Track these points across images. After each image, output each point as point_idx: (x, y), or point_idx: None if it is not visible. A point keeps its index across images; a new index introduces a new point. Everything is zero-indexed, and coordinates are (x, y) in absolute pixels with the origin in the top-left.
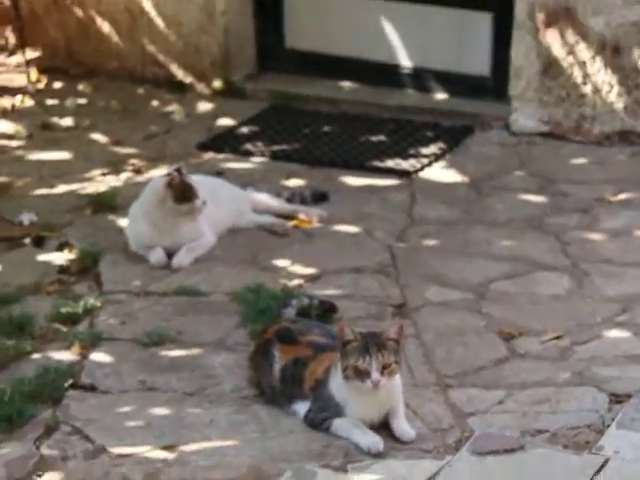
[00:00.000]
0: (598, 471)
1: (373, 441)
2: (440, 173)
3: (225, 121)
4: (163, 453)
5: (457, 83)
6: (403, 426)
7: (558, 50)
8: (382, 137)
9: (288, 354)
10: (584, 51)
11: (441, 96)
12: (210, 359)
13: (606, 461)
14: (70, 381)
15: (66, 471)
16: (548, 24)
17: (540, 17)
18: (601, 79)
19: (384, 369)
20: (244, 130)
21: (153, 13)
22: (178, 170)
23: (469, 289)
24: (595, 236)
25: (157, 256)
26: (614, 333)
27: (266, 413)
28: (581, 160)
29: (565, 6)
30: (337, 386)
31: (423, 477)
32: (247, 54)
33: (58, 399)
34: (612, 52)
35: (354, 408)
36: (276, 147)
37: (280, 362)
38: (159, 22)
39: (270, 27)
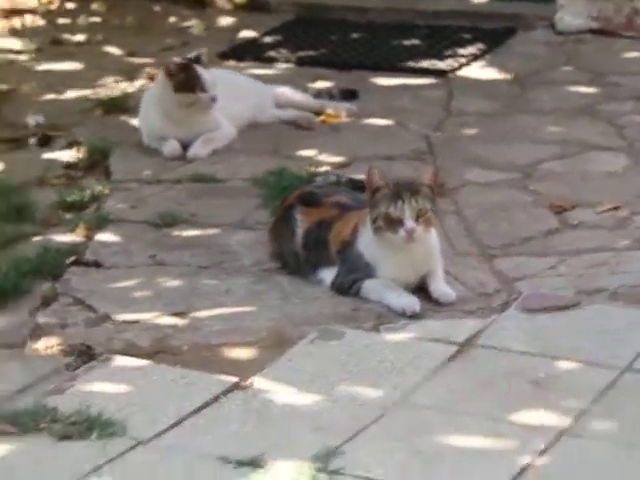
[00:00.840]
0: None
1: (409, 302)
2: (480, 71)
3: (247, 33)
4: (173, 319)
5: None
6: (442, 287)
7: None
8: (415, 41)
9: (311, 216)
10: None
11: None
12: (228, 237)
13: None
14: (72, 258)
15: (64, 336)
16: None
17: None
18: None
19: (419, 217)
20: (267, 40)
21: None
22: (197, 58)
23: (514, 169)
24: None
25: (171, 147)
26: None
27: (289, 282)
28: (634, 54)
29: None
30: (367, 243)
31: (465, 334)
32: None
33: (58, 275)
34: None
35: (386, 267)
36: (302, 53)
37: (303, 225)
38: None
39: None
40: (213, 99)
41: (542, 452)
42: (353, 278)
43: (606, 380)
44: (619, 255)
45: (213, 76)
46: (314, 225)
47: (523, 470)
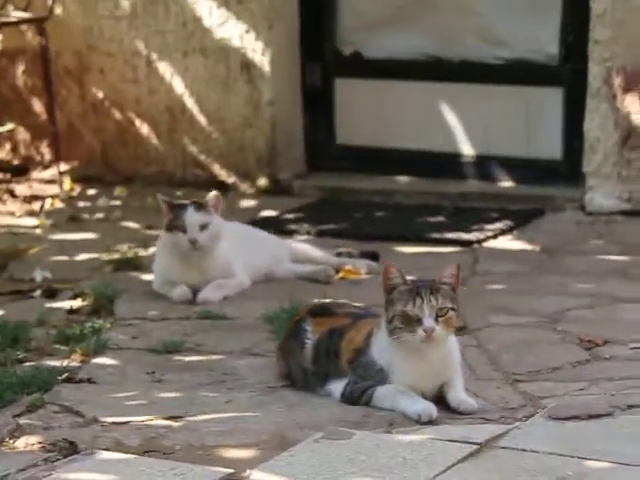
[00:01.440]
0: None
1: (424, 407)
2: (506, 243)
3: (269, 212)
4: (167, 422)
5: (525, 169)
6: (462, 395)
7: (639, 117)
8: (441, 218)
9: (322, 327)
10: None
11: (507, 184)
12: (233, 362)
13: None
14: (64, 376)
15: (46, 435)
16: (627, 88)
17: (617, 81)
18: None
19: (438, 316)
20: (288, 216)
21: (195, 110)
22: (195, 202)
23: (541, 316)
24: None
25: (180, 291)
26: None
27: (295, 395)
28: None
29: None
30: (381, 347)
31: (486, 436)
32: (295, 151)
33: (47, 389)
34: None
35: (401, 372)
36: (323, 227)
37: (313, 337)
38: (201, 119)
39: (321, 122)
40: (192, 241)
41: None
42: (364, 386)
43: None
44: None
45: (206, 220)
46: (325, 335)
47: None
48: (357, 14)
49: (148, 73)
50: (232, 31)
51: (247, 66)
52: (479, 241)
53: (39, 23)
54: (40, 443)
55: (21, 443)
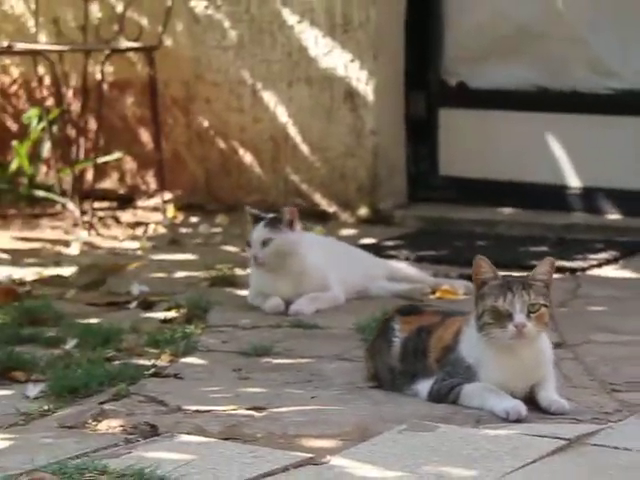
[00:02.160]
0: None
1: (513, 405)
2: (611, 272)
3: (368, 240)
4: (250, 412)
5: (633, 200)
6: (553, 396)
7: None
8: (544, 248)
9: (411, 325)
10: None
11: (615, 216)
12: (322, 365)
13: None
14: (152, 371)
15: (128, 420)
16: None
17: None
18: None
19: (530, 312)
20: (388, 243)
21: (298, 139)
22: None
23: None
24: None
25: (273, 302)
26: None
27: (382, 394)
28: None
29: None
30: (470, 344)
31: (576, 433)
32: (397, 181)
33: (134, 382)
34: None
35: (490, 370)
36: (422, 252)
37: (401, 335)
38: (304, 148)
39: (423, 152)
40: (255, 257)
41: None
42: (452, 384)
43: None
44: None
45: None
46: (413, 334)
47: None
48: (462, 44)
49: (253, 102)
50: (337, 60)
51: (351, 95)
52: (583, 269)
53: (148, 53)
54: (122, 426)
55: (103, 426)
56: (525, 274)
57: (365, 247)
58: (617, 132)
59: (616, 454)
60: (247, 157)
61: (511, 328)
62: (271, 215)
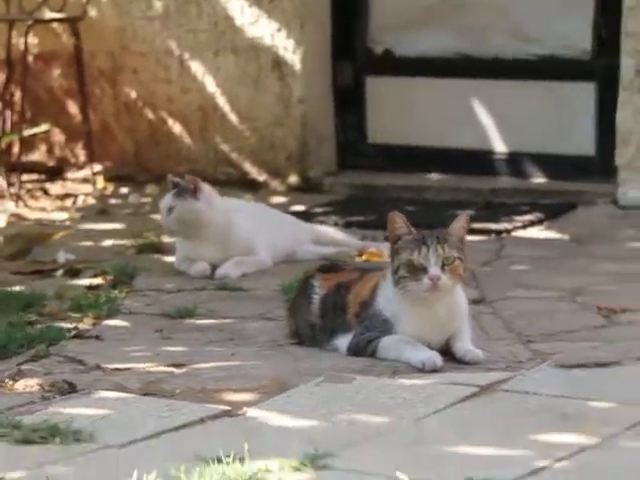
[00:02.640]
0: None
1: (429, 355)
2: (535, 233)
3: (298, 207)
4: (170, 369)
5: (557, 164)
6: (467, 346)
7: None
8: (471, 212)
9: (330, 282)
10: None
11: (540, 180)
12: (244, 325)
13: None
14: (73, 333)
15: (46, 379)
16: None
17: None
18: None
19: (444, 265)
20: (317, 210)
21: (226, 108)
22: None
23: (562, 290)
24: None
25: (199, 266)
26: None
27: (302, 350)
28: None
29: None
30: (386, 298)
31: (489, 380)
32: (326, 149)
33: (54, 343)
34: None
35: (407, 323)
36: (351, 218)
37: (321, 292)
38: (232, 118)
39: (352, 120)
40: (162, 225)
41: (562, 459)
42: (370, 337)
43: None
44: None
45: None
46: (332, 290)
47: (538, 470)
48: (388, 13)
49: (180, 72)
50: (263, 30)
51: (278, 64)
52: (507, 231)
53: (73, 23)
54: (39, 385)
55: (20, 385)
56: (439, 229)
57: (295, 214)
58: (539, 97)
59: (526, 399)
60: (176, 127)
61: (426, 281)
62: (180, 183)
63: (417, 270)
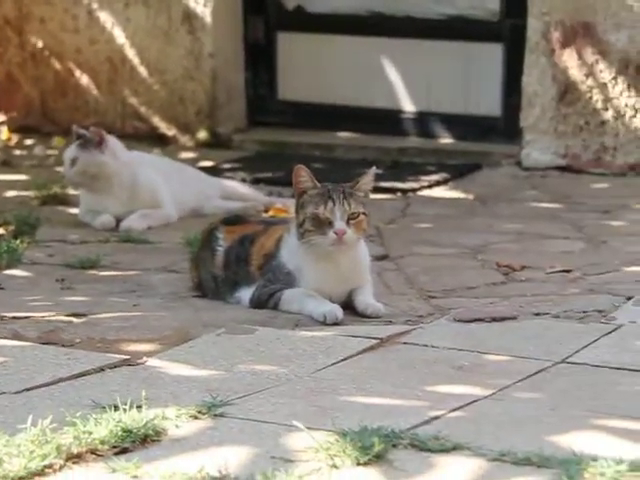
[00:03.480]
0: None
1: (330, 309)
2: (441, 193)
3: (206, 163)
4: (69, 318)
5: (464, 125)
6: (369, 300)
7: (576, 72)
8: (379, 171)
9: (234, 234)
10: (605, 71)
11: (447, 140)
12: (148, 277)
13: (619, 327)
14: None
15: None
16: (565, 43)
17: (556, 36)
18: (624, 103)
19: (350, 220)
20: (225, 166)
21: (136, 61)
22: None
23: (464, 247)
24: (616, 223)
25: (104, 218)
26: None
27: (204, 302)
28: (603, 185)
29: (583, 21)
30: (290, 252)
31: (388, 333)
32: (236, 105)
33: None
34: (636, 71)
35: (310, 276)
36: (259, 174)
37: (225, 244)
38: (142, 70)
39: (262, 76)
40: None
41: (456, 409)
42: (272, 289)
43: (536, 368)
44: (566, 297)
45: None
46: (236, 242)
47: (432, 419)
48: None
49: (89, 23)
50: None
51: (189, 17)
52: (413, 190)
53: None
54: None
55: None
56: (345, 184)
57: (204, 170)
58: (448, 57)
59: (424, 351)
60: (83, 79)
61: (331, 235)
62: (85, 134)
63: (323, 224)
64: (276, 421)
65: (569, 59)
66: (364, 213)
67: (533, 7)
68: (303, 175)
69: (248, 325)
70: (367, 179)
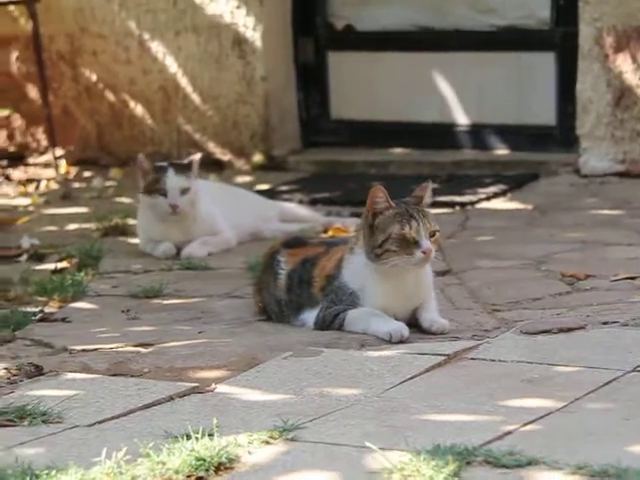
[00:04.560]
0: None
1: (396, 327)
2: (499, 205)
3: (263, 186)
4: (137, 348)
5: (519, 135)
6: (434, 316)
7: (630, 76)
8: (435, 185)
9: (296, 257)
10: None
11: (502, 151)
12: (211, 303)
13: None
14: (39, 316)
15: (13, 363)
16: (618, 48)
17: (608, 41)
18: None
19: (430, 237)
20: (282, 188)
21: (188, 89)
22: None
23: (526, 259)
24: None
25: (165, 247)
26: None
27: (269, 326)
28: None
29: (636, 25)
30: (353, 272)
31: (455, 349)
32: (290, 127)
33: (20, 327)
34: None
35: (374, 295)
36: (316, 195)
37: (287, 267)
38: (195, 98)
39: (314, 96)
40: (172, 206)
41: (528, 423)
42: (336, 310)
43: (607, 378)
44: (633, 305)
45: (187, 184)
46: (298, 265)
47: (505, 435)
48: None
49: (141, 53)
50: (223, 7)
51: (239, 42)
52: (471, 203)
53: (29, 6)
54: (5, 369)
55: None
56: (408, 200)
57: (260, 193)
58: (500, 68)
59: (492, 365)
60: (138, 109)
61: (419, 254)
62: (173, 162)
63: (409, 244)
64: (348, 443)
65: (623, 64)
66: (438, 230)
67: (584, 14)
68: (380, 196)
69: (314, 347)
70: (426, 193)
